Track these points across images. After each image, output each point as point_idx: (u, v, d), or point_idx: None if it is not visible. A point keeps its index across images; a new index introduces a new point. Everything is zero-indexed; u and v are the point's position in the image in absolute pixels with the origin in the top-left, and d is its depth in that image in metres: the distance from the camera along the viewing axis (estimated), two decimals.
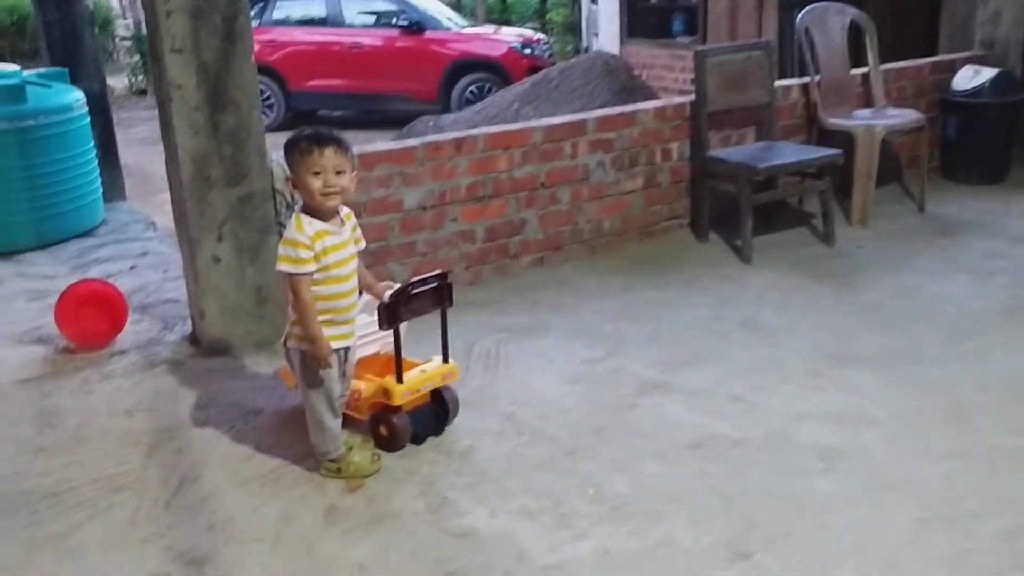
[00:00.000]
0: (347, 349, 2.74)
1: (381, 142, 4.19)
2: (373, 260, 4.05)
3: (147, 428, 3.14)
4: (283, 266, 2.62)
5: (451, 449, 2.92)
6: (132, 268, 4.90)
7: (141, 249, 5.24)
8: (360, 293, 2.89)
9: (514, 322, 3.92)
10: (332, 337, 2.67)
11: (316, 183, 2.59)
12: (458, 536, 2.48)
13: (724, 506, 2.58)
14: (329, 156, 2.58)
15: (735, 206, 4.60)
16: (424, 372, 2.93)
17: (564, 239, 4.64)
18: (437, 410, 3.00)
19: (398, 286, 2.89)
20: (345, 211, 2.74)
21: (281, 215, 3.79)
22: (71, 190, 5.48)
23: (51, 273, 4.90)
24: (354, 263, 2.72)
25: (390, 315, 2.76)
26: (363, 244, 2.81)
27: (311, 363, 2.65)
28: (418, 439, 2.92)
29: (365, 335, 2.93)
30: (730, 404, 3.16)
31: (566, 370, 3.46)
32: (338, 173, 2.60)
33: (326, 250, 2.63)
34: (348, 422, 2.97)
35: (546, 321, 3.93)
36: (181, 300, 4.10)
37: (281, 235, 3.48)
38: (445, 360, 2.99)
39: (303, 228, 2.61)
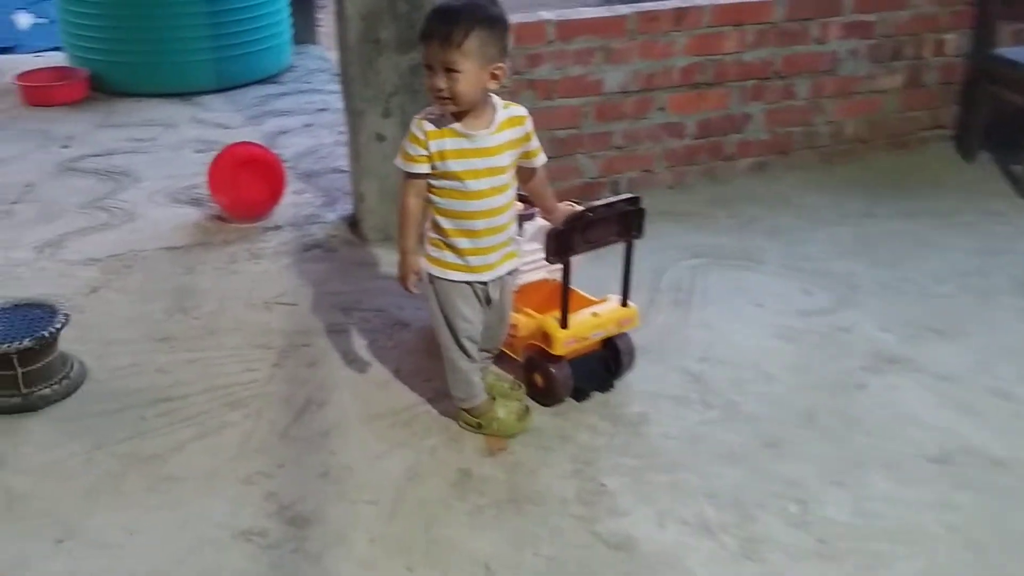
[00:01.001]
0: (484, 284, 2.19)
1: (586, 7, 3.49)
2: (560, 149, 3.45)
3: (283, 328, 2.77)
4: (397, 160, 2.11)
5: (619, 415, 2.36)
6: (307, 126, 4.53)
7: (321, 104, 4.85)
8: (523, 221, 2.34)
9: (718, 244, 3.24)
10: (455, 266, 2.14)
11: (428, 80, 2.01)
12: (613, 546, 1.94)
13: (975, 560, 1.91)
14: (435, 51, 1.96)
15: (1019, 122, 3.62)
16: (596, 316, 2.35)
17: (794, 142, 3.83)
18: (608, 360, 2.43)
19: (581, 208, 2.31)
20: (510, 112, 2.12)
21: None
22: (257, 30, 5.12)
23: (225, 122, 4.60)
24: (504, 178, 2.11)
25: (559, 246, 2.18)
26: (539, 158, 2.21)
27: (434, 288, 2.19)
28: (580, 394, 2.39)
29: (531, 260, 2.38)
30: (994, 401, 2.41)
31: (777, 320, 2.79)
32: (449, 72, 1.97)
33: (443, 154, 2.06)
34: (502, 359, 2.48)
35: (759, 248, 3.22)
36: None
37: None
38: (624, 302, 2.40)
39: (421, 123, 2.06)
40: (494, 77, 2.02)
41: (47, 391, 2.41)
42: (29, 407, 2.38)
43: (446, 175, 2.08)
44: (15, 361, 2.36)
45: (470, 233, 2.12)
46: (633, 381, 2.47)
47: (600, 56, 3.42)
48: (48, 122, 4.60)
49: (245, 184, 3.43)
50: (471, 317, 2.19)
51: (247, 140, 3.90)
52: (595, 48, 3.40)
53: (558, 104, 3.42)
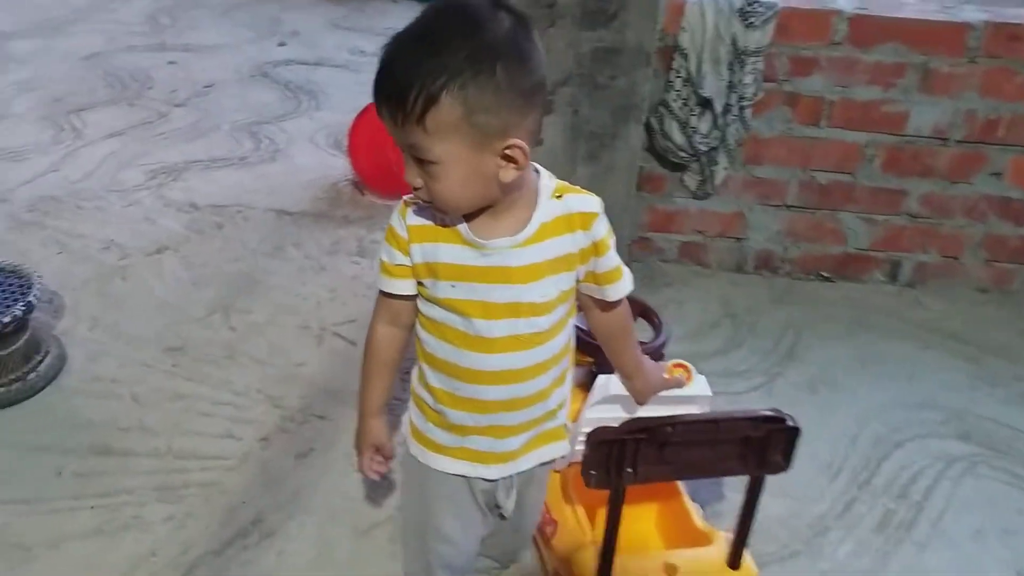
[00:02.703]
0: (491, 481, 1.27)
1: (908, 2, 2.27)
2: (818, 199, 2.35)
3: (313, 377, 2.01)
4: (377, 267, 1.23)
5: None
6: None
7: None
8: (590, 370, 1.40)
9: (1013, 421, 2.00)
10: (445, 449, 1.25)
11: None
12: None
13: None
14: (389, 126, 1.06)
15: None
16: (673, 572, 1.36)
17: None
18: None
19: (679, 386, 1.33)
20: (566, 206, 1.16)
21: (670, 98, 2.22)
22: None
23: None
24: (542, 321, 1.17)
25: (607, 465, 1.20)
26: (618, 286, 1.23)
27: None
28: None
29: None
30: None
31: None
32: (420, 162, 1.06)
33: (434, 269, 1.16)
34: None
35: None
36: None
37: (654, 128, 2.21)
38: (736, 558, 1.37)
39: (404, 212, 1.18)
40: (509, 160, 1.07)
41: None
42: None
43: (439, 303, 1.18)
44: None
45: (475, 405, 1.21)
46: None
47: (912, 77, 2.21)
48: (285, 10, 4.14)
49: (384, 154, 2.69)
50: (456, 536, 1.31)
51: None
52: (907, 65, 2.19)
53: (828, 135, 2.29)
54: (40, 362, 1.97)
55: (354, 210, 2.67)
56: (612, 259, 1.21)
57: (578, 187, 1.20)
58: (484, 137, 1.03)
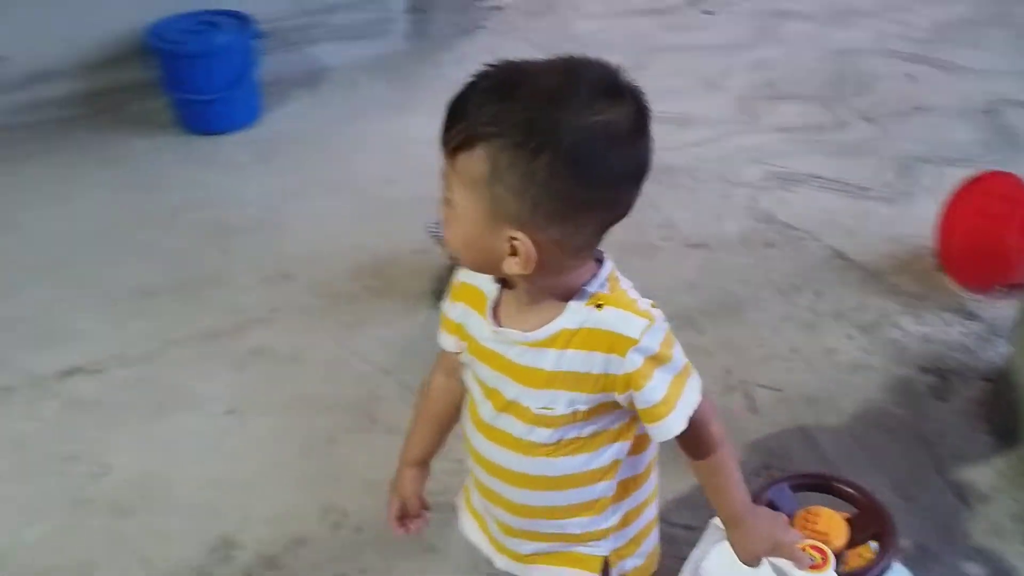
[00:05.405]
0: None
1: None
2: None
3: None
4: None
5: None
6: None
7: None
8: None
9: None
10: (467, 507, 1.25)
11: None
12: None
13: None
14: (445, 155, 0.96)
15: None
16: None
17: None
18: None
19: (800, 565, 1.12)
20: (594, 320, 1.00)
21: None
22: None
23: None
24: (534, 433, 1.05)
25: None
26: (662, 425, 1.02)
27: None
28: None
29: None
30: None
31: None
32: (446, 196, 0.98)
33: (464, 332, 1.11)
34: None
35: None
36: None
37: None
38: None
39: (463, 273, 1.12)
40: (512, 252, 0.94)
41: None
42: None
43: (468, 364, 1.13)
44: None
45: (480, 487, 1.18)
46: None
47: None
48: None
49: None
50: None
51: None
52: None
53: None
54: None
55: (913, 283, 2.31)
56: (652, 395, 1.00)
57: (637, 302, 0.99)
58: (496, 212, 0.94)
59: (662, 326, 1.01)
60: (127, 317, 2.28)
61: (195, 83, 2.92)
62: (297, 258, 2.45)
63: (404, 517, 1.27)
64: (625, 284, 1.04)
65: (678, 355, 1.02)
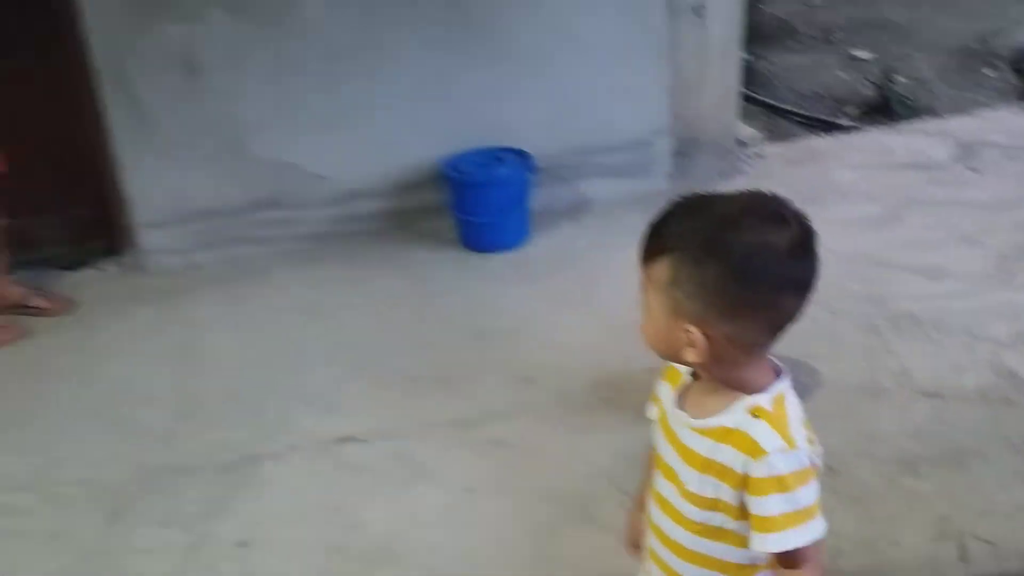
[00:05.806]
0: None
1: None
2: None
3: None
4: None
5: None
6: None
7: None
8: None
9: None
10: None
11: None
12: None
13: None
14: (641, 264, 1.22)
15: None
16: None
17: None
18: None
19: None
20: (739, 422, 1.18)
21: None
22: None
23: None
24: (689, 507, 1.23)
25: None
26: (760, 540, 1.17)
27: None
28: None
29: None
30: None
31: None
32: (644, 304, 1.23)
33: (659, 405, 1.34)
34: None
35: None
36: None
37: None
38: None
39: None
40: (690, 343, 1.16)
41: None
42: None
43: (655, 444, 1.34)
44: None
45: (649, 548, 1.37)
46: None
47: None
48: None
49: None
50: None
51: None
52: None
53: None
54: None
55: None
56: (764, 508, 1.15)
57: (790, 427, 1.15)
58: (676, 310, 1.17)
59: (801, 459, 1.15)
60: (395, 398, 2.67)
61: (476, 208, 3.40)
62: (541, 365, 2.75)
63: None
64: (792, 408, 1.19)
65: (805, 494, 1.15)
